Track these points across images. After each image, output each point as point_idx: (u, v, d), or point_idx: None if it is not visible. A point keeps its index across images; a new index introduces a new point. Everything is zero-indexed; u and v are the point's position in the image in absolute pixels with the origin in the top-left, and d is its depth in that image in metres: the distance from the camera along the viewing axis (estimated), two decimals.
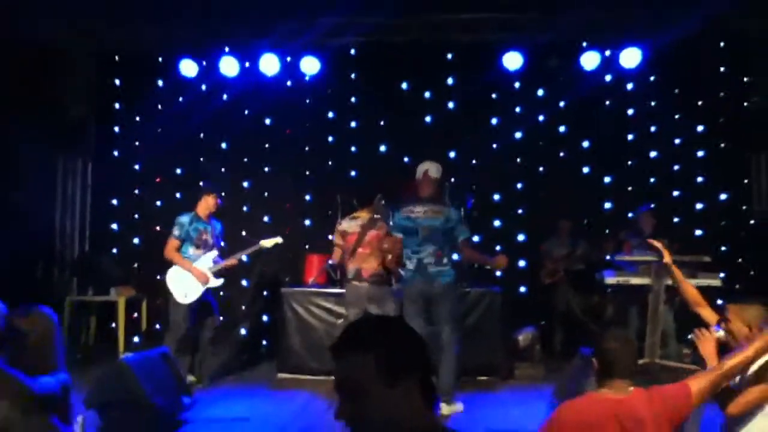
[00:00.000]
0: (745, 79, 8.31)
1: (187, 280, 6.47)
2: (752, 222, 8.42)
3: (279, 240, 6.91)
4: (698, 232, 8.39)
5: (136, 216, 9.16)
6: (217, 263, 6.65)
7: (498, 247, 8.72)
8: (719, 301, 8.10)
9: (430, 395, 1.59)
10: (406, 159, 8.87)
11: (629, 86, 8.64)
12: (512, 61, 8.26)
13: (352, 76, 8.98)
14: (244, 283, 9.00)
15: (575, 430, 2.74)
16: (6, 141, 7.40)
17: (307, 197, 9.07)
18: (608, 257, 7.40)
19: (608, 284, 6.70)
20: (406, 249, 5.74)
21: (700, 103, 8.55)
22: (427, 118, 8.99)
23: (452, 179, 8.52)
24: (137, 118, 9.11)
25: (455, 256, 5.91)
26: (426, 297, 5.62)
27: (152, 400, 4.74)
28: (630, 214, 7.84)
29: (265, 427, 5.18)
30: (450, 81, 8.94)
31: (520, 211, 8.92)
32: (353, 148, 9.05)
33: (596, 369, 2.92)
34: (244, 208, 9.03)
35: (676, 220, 8.45)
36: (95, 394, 4.70)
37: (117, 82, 9.08)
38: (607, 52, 8.22)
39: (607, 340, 2.92)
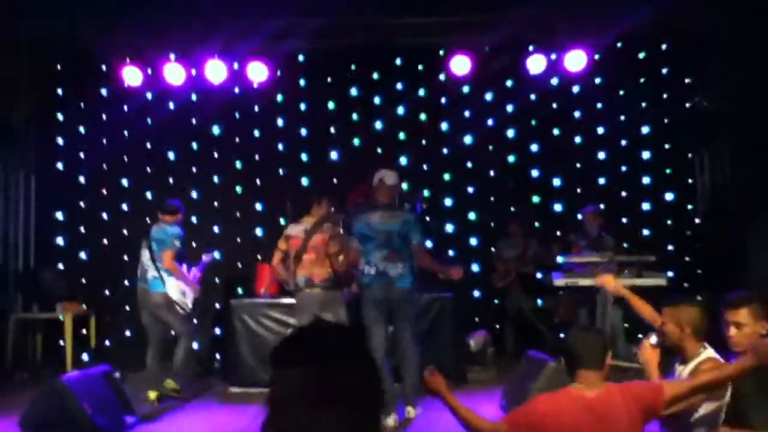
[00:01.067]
0: (686, 81, 8.46)
1: (185, 292, 6.54)
2: (697, 221, 8.57)
3: (217, 256, 7.16)
4: (646, 232, 8.52)
5: (82, 229, 8.92)
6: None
7: (451, 252, 8.76)
8: None
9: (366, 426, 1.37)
10: (357, 165, 8.84)
11: (575, 89, 8.75)
12: (459, 65, 8.28)
13: (301, 82, 8.92)
14: None
15: (548, 419, 2.79)
16: None
17: (258, 206, 8.95)
18: (557, 259, 7.45)
19: (557, 286, 6.75)
20: (364, 255, 5.71)
21: (644, 104, 8.68)
22: (377, 124, 8.96)
23: (403, 185, 8.53)
24: (81, 129, 8.90)
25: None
26: (387, 302, 5.61)
27: (92, 420, 4.61)
28: (579, 216, 7.92)
29: None
30: (399, 86, 8.93)
31: (472, 215, 8.94)
32: (304, 156, 8.96)
33: (564, 365, 3.00)
34: (193, 220, 8.86)
35: (624, 220, 8.56)
36: (31, 415, 4.55)
37: (59, 91, 8.85)
38: (553, 56, 8.29)
39: (569, 335, 3.03)
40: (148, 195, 8.93)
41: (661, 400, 2.87)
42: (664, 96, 8.64)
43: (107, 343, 8.58)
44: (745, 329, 3.31)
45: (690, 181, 8.63)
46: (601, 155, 8.77)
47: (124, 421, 5.15)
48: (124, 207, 8.91)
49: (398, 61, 8.84)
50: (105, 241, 8.84)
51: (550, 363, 4.76)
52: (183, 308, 6.47)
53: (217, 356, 8.42)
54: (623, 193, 8.70)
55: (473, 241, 8.86)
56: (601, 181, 8.74)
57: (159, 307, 6.46)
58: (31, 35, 8.08)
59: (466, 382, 6.90)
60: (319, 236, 6.03)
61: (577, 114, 8.83)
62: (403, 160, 8.82)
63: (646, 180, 8.69)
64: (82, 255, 8.87)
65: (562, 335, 7.70)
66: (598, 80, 8.65)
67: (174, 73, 8.37)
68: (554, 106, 8.82)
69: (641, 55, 8.52)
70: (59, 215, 8.89)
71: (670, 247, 8.44)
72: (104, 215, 8.92)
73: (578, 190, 8.70)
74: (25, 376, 7.95)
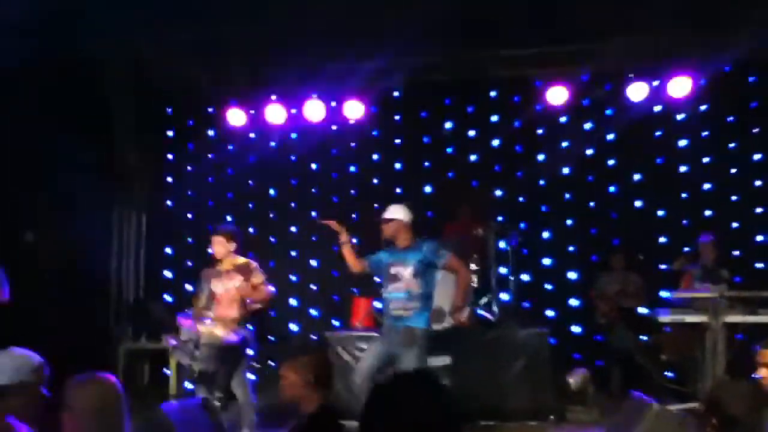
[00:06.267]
0: None
1: None
2: None
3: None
4: (759, 265, 7.98)
5: (189, 263, 9.29)
6: None
7: (549, 287, 8.53)
8: None
9: None
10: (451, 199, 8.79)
11: (679, 116, 8.38)
12: (556, 96, 8.12)
13: (396, 118, 9.01)
14: (294, 327, 9.01)
15: None
16: (65, 187, 7.55)
17: (354, 240, 9.01)
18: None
19: (662, 322, 6.43)
20: None
21: (756, 130, 8.20)
22: (473, 157, 8.89)
23: (500, 218, 8.40)
24: (188, 168, 9.32)
25: None
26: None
27: None
28: (686, 249, 7.51)
29: None
30: (494, 118, 8.86)
31: (571, 248, 8.67)
32: (398, 190, 9.00)
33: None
34: (293, 253, 9.08)
35: (735, 253, 8.05)
36: None
37: (170, 133, 9.34)
38: (655, 83, 7.99)
39: (725, 392, 2.54)
40: (251, 230, 9.23)
41: None
42: None
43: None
44: None
45: None
46: (708, 186, 8.31)
47: None
48: None
49: (493, 94, 8.79)
50: None
51: (653, 406, 4.47)
52: None
53: None
54: (734, 224, 8.19)
55: (572, 275, 8.58)
56: (708, 212, 8.28)
57: None
58: (144, 81, 8.63)
59: (566, 421, 6.63)
60: (234, 281, 6.43)
61: (682, 142, 8.45)
62: (498, 193, 8.71)
63: (759, 210, 8.16)
64: (188, 287, 9.21)
65: (668, 374, 7.33)
66: (703, 107, 8.26)
67: (275, 113, 8.65)
68: (657, 134, 8.48)
69: (751, 79, 8.09)
70: (168, 250, 9.32)
71: None
72: (210, 250, 9.24)
73: (684, 222, 8.27)
74: (133, 404, 8.26)
